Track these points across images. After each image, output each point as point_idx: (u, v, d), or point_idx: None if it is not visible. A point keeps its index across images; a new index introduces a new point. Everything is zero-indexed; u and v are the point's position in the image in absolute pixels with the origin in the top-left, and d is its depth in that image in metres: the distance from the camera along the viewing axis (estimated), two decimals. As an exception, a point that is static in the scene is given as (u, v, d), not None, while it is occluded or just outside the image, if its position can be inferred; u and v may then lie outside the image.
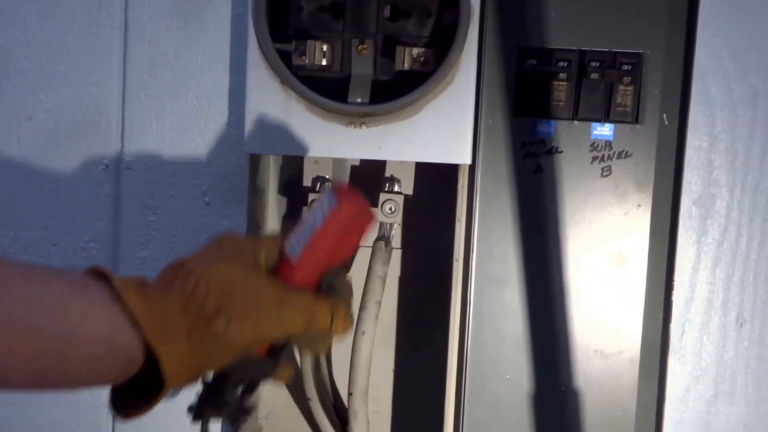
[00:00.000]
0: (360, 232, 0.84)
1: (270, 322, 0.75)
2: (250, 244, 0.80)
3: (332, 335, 0.81)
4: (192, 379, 0.76)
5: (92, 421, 1.35)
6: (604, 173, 1.16)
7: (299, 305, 0.77)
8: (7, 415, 1.36)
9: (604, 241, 1.16)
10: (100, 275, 0.72)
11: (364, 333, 1.19)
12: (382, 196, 1.19)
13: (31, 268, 0.66)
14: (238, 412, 0.83)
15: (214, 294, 0.72)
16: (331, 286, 0.81)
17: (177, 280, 0.73)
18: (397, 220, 1.20)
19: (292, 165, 1.28)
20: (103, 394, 1.32)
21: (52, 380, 0.67)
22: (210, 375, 0.81)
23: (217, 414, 0.82)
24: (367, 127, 1.11)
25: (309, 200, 1.21)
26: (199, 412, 0.81)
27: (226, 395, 0.81)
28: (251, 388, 0.83)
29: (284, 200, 1.31)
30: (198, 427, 0.83)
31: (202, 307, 0.72)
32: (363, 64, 1.11)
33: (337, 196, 0.81)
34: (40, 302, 0.64)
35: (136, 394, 0.74)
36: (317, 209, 0.82)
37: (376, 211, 1.18)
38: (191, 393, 0.79)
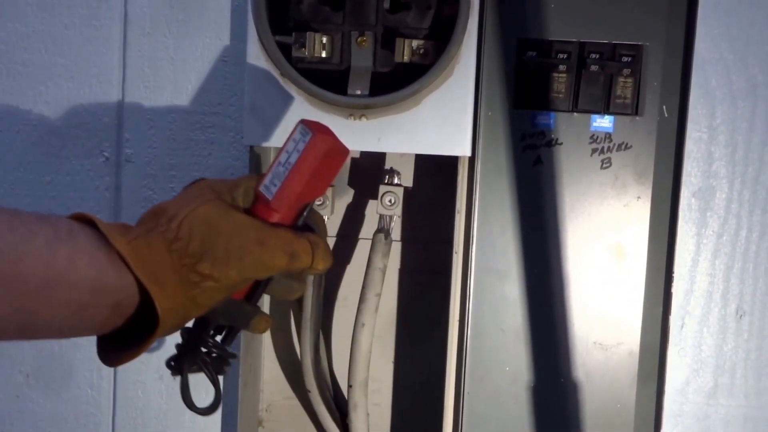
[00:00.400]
0: (335, 166, 0.84)
1: (254, 262, 0.75)
2: (226, 185, 0.80)
3: (312, 271, 0.81)
4: (178, 325, 0.76)
5: (93, 414, 1.35)
6: (604, 165, 1.15)
7: (280, 243, 0.77)
8: (5, 408, 1.36)
9: (603, 234, 1.16)
10: (85, 221, 0.72)
11: (363, 325, 1.19)
12: (382, 188, 1.19)
13: (15, 214, 0.66)
14: (220, 360, 0.83)
15: (197, 237, 0.72)
16: (308, 223, 0.82)
17: (159, 225, 0.73)
18: (397, 212, 1.20)
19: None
20: (104, 386, 1.33)
21: (38, 328, 0.67)
22: (189, 324, 0.81)
23: (198, 365, 0.81)
24: (367, 119, 1.11)
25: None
26: (179, 363, 0.81)
27: (207, 343, 0.81)
28: (231, 335, 0.84)
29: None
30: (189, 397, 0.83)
31: (187, 250, 0.72)
32: (363, 56, 1.11)
33: (310, 130, 0.80)
34: (26, 249, 0.64)
35: (122, 342, 0.73)
36: (290, 146, 0.81)
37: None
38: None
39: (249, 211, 0.81)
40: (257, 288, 0.83)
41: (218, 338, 0.83)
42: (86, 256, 0.68)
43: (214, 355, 0.82)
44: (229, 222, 0.75)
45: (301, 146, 0.80)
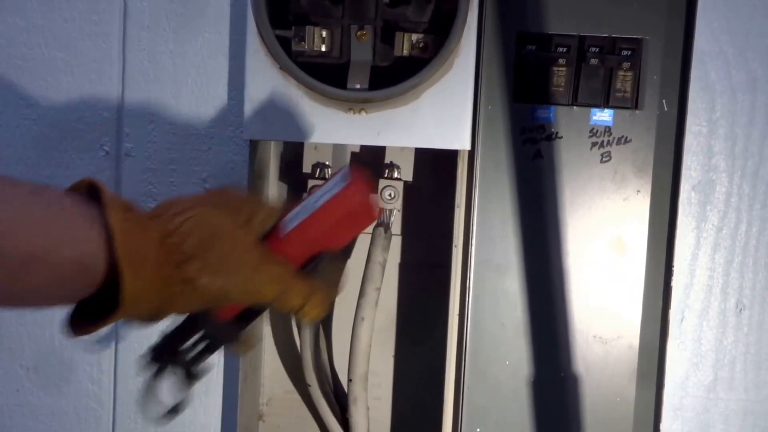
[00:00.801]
0: (359, 225, 0.82)
1: (242, 282, 0.74)
2: (250, 204, 0.79)
3: (301, 317, 0.80)
4: (149, 316, 0.74)
5: (93, 408, 1.36)
6: (604, 159, 1.16)
7: (276, 275, 0.77)
8: (6, 402, 1.36)
9: (603, 227, 1.16)
10: (90, 189, 0.71)
11: (363, 319, 1.19)
12: (382, 183, 1.20)
13: (14, 185, 0.65)
14: (189, 371, 0.81)
15: (195, 237, 0.72)
16: (316, 269, 0.80)
17: (165, 214, 0.73)
18: (397, 206, 1.20)
19: (292, 151, 1.28)
20: (105, 381, 1.33)
21: (12, 299, 0.67)
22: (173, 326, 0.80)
23: (172, 363, 0.81)
24: (367, 113, 1.11)
25: (308, 186, 1.21)
26: (154, 356, 0.80)
27: (182, 349, 0.80)
28: (210, 349, 0.82)
29: (284, 186, 1.31)
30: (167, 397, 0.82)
31: (180, 246, 0.71)
32: (362, 50, 1.11)
33: (349, 178, 0.79)
34: (14, 224, 0.63)
35: (92, 316, 0.73)
36: (326, 186, 0.80)
37: (379, 207, 1.17)
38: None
39: (263, 238, 0.79)
40: (249, 315, 0.83)
41: (199, 347, 0.82)
42: (78, 233, 0.67)
43: (187, 361, 0.82)
44: (232, 236, 0.74)
45: (335, 190, 0.79)
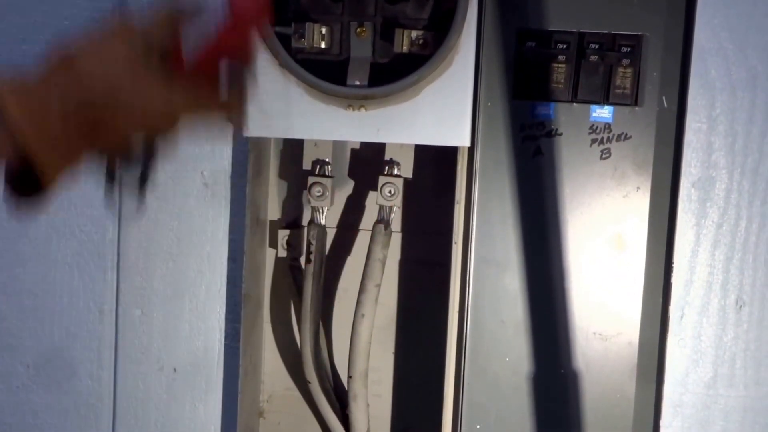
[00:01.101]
0: (256, 22, 0.83)
1: (156, 107, 0.75)
2: (141, 31, 0.77)
3: (222, 116, 0.81)
4: (68, 156, 0.74)
5: (93, 405, 1.36)
6: (604, 156, 1.15)
7: (185, 87, 0.76)
8: (6, 400, 1.36)
9: (603, 224, 1.16)
10: None
11: (363, 316, 1.19)
12: (382, 179, 1.20)
13: None
14: (143, 175, 0.83)
15: (99, 80, 0.71)
16: (230, 76, 0.81)
17: (60, 67, 0.72)
18: (397, 203, 1.20)
19: (292, 148, 1.28)
20: (105, 378, 1.33)
21: None
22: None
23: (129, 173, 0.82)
24: (366, 109, 1.11)
25: (309, 183, 1.21)
26: (111, 173, 0.81)
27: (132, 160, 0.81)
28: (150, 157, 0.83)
29: (284, 183, 1.31)
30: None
31: (86, 92, 0.71)
32: (362, 46, 1.11)
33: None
34: None
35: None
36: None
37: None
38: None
39: (164, 58, 0.78)
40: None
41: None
42: None
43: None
44: (133, 67, 0.74)
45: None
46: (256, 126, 1.13)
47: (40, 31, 1.28)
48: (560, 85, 1.15)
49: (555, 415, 1.19)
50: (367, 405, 1.23)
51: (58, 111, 0.70)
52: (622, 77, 1.14)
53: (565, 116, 1.15)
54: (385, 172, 1.21)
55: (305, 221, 1.27)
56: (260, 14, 0.83)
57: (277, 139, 1.29)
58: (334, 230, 1.32)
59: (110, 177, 0.83)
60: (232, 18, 0.80)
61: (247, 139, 1.18)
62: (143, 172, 0.84)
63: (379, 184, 1.19)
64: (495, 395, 1.18)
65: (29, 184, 0.73)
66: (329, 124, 1.12)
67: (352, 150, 1.30)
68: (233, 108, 0.81)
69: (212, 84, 0.80)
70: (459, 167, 1.15)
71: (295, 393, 1.36)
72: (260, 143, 1.22)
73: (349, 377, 1.21)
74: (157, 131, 0.80)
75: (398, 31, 1.10)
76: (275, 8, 1.11)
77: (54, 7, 1.28)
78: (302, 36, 1.10)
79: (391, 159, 1.22)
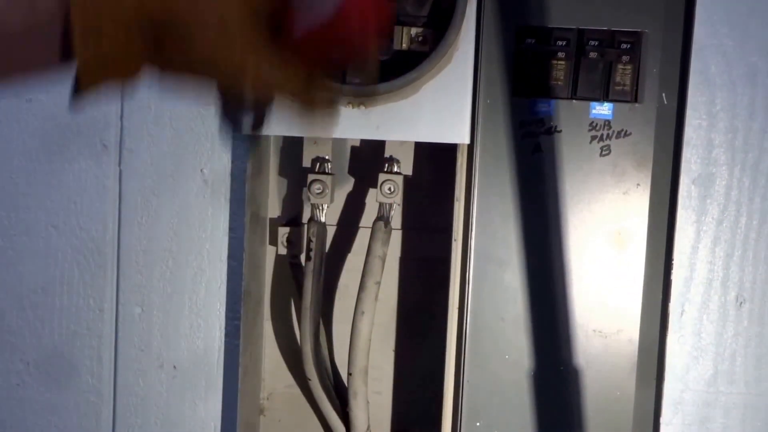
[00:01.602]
0: (376, 18, 0.76)
1: (238, 63, 0.65)
2: None
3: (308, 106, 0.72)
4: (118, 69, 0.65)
5: (93, 402, 1.36)
6: (603, 153, 1.15)
7: (284, 57, 0.67)
8: (7, 397, 1.36)
9: (603, 221, 1.16)
10: None
11: (363, 313, 1.19)
12: (382, 177, 1.19)
13: None
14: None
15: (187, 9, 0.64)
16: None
17: None
18: (397, 200, 1.20)
19: (292, 145, 1.28)
20: (105, 375, 1.33)
21: None
22: None
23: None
24: (366, 107, 1.11)
25: (309, 180, 1.21)
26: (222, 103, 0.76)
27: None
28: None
29: (284, 181, 1.31)
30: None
31: (166, 14, 0.63)
32: (361, 44, 1.11)
33: None
34: None
35: None
36: None
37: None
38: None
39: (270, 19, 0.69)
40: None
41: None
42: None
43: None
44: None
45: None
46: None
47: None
48: (560, 82, 1.14)
49: (555, 413, 1.19)
50: (368, 402, 1.23)
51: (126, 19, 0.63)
52: (622, 74, 1.14)
53: (564, 113, 1.15)
54: (385, 170, 1.21)
55: (305, 218, 1.27)
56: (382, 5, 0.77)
57: (276, 137, 1.28)
58: (334, 227, 1.32)
59: (223, 106, 0.77)
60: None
61: (247, 136, 1.18)
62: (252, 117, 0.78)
63: (379, 181, 1.19)
64: (495, 393, 1.18)
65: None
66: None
67: (352, 147, 1.30)
68: (321, 103, 0.73)
69: (315, 65, 0.73)
70: (459, 164, 1.15)
71: (296, 390, 1.36)
72: (260, 141, 1.21)
73: (349, 374, 1.21)
74: (236, 86, 0.75)
75: (398, 29, 1.10)
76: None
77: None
78: (301, 33, 1.10)
79: (390, 156, 1.22)
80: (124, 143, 1.30)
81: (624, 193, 1.16)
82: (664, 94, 1.15)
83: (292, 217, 1.33)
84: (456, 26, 1.09)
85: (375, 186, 1.20)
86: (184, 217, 1.30)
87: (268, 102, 0.74)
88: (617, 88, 1.14)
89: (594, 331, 1.17)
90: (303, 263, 1.25)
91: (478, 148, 1.15)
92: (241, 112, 0.76)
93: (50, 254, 1.33)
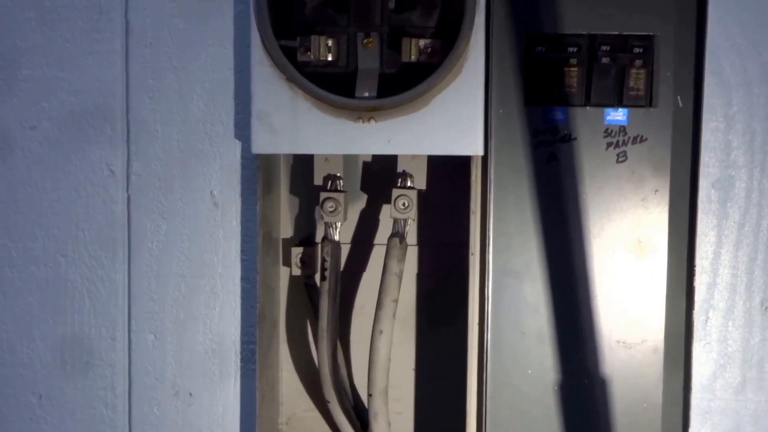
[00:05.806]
0: None
1: None
2: None
3: None
4: None
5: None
6: (620, 159, 1.14)
7: None
8: (21, 430, 1.35)
9: (622, 228, 1.15)
10: None
11: (381, 332, 1.18)
12: (395, 192, 1.18)
13: None
14: None
15: None
16: None
17: None
18: (411, 215, 1.19)
19: (302, 164, 1.27)
20: (119, 405, 1.31)
21: None
22: None
23: None
24: (376, 121, 1.10)
25: (321, 198, 1.20)
26: None
27: None
28: None
29: (296, 200, 1.30)
30: None
31: None
32: (369, 57, 1.10)
33: None
34: None
35: None
36: None
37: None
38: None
39: None
40: None
41: None
42: None
43: None
44: None
45: None
46: (265, 143, 1.12)
47: (41, 54, 1.28)
48: (573, 89, 1.13)
49: (581, 426, 1.17)
50: (389, 423, 1.22)
51: None
52: (636, 78, 1.13)
53: (578, 120, 1.14)
54: (398, 185, 1.20)
55: (318, 238, 1.26)
56: None
57: (286, 156, 1.27)
58: (349, 246, 1.31)
59: None
60: None
61: (256, 156, 1.17)
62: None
63: (393, 197, 1.18)
64: (518, 408, 1.17)
65: None
66: (339, 138, 1.11)
67: (364, 163, 1.29)
68: None
69: None
70: (473, 176, 1.14)
71: (315, 414, 1.34)
72: (269, 160, 1.20)
73: (369, 395, 1.20)
74: None
75: (405, 41, 1.10)
76: (279, 21, 1.11)
77: (55, 30, 1.27)
78: (308, 49, 1.09)
79: (403, 171, 1.21)
80: (132, 168, 1.29)
81: (642, 200, 1.14)
82: (679, 98, 1.13)
83: (305, 236, 1.31)
84: (465, 36, 1.08)
85: (388, 202, 1.19)
86: (195, 240, 1.29)
87: None
88: (631, 93, 1.13)
89: (618, 341, 1.15)
90: (318, 283, 1.23)
91: (492, 159, 1.14)
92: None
93: (60, 284, 1.32)
